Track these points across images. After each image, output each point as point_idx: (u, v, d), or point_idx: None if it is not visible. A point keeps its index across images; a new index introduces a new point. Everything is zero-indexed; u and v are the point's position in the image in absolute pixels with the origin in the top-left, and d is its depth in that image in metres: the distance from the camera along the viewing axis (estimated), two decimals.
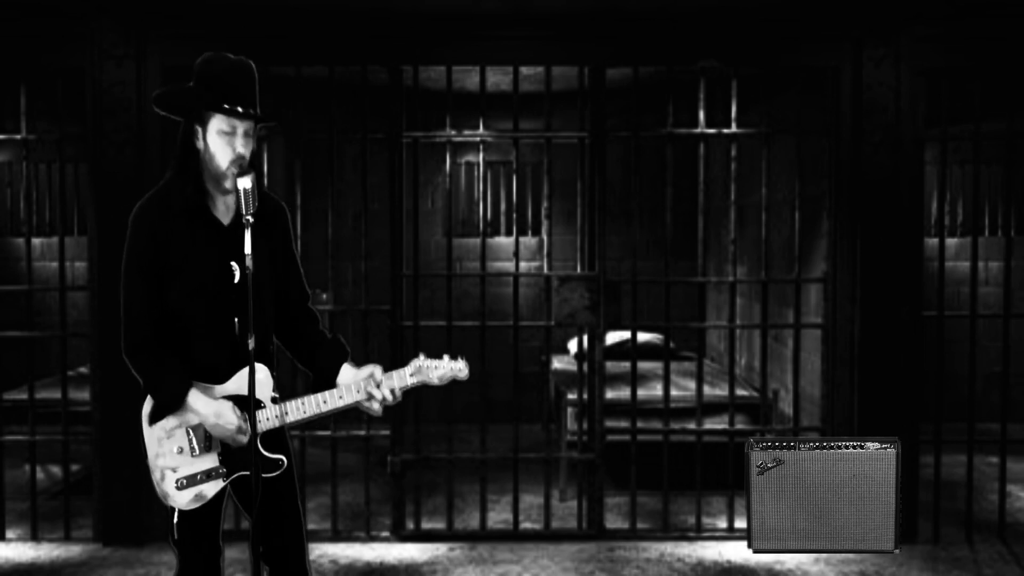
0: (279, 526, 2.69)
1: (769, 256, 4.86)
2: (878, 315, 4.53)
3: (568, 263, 7.46)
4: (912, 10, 4.43)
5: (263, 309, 2.62)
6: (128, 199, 4.50)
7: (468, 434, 6.28)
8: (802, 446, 3.60)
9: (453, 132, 4.66)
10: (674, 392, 5.20)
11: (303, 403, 2.62)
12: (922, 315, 4.56)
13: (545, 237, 5.16)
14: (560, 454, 5.14)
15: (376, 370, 2.64)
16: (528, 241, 7.58)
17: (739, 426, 5.04)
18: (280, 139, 5.88)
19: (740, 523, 4.43)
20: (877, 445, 3.57)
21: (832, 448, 3.58)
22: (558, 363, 6.58)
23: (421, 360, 2.67)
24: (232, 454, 2.59)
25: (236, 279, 2.57)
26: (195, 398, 2.54)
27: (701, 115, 4.62)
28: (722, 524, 4.79)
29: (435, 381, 2.68)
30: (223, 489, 2.63)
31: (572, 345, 6.72)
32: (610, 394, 5.15)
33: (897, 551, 3.63)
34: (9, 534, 4.66)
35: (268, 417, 2.59)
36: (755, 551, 3.67)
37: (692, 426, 4.84)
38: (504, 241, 7.55)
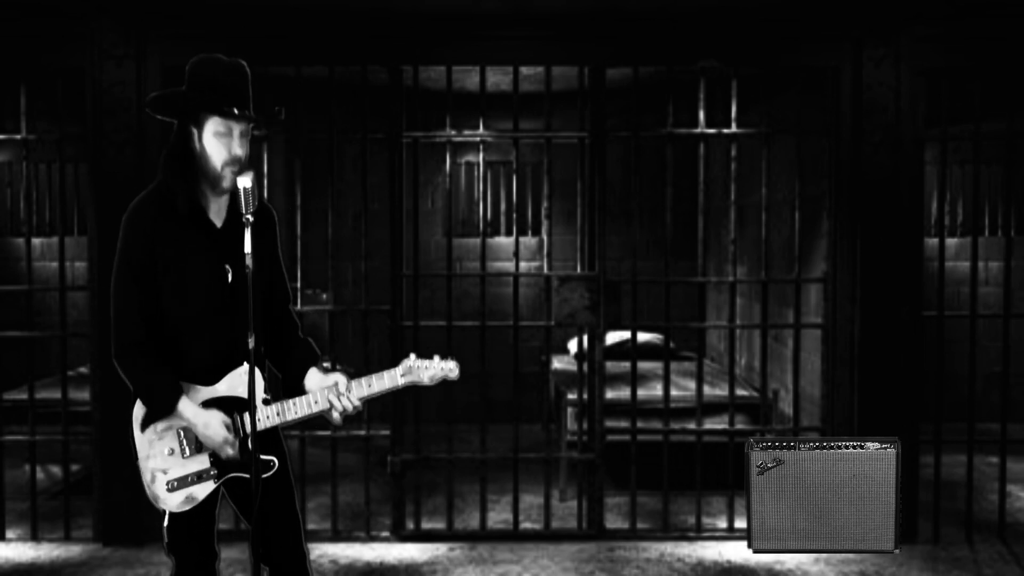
0: (276, 528, 2.67)
1: (769, 256, 4.86)
2: (878, 315, 4.53)
3: (568, 263, 7.46)
4: (912, 10, 4.43)
5: (257, 310, 2.62)
6: (128, 199, 4.50)
7: (468, 434, 6.28)
8: (802, 446, 3.60)
9: (453, 132, 4.66)
10: (674, 392, 5.20)
11: (294, 404, 2.61)
12: (922, 315, 4.56)
13: (545, 237, 5.16)
14: (560, 454, 5.14)
15: (341, 380, 2.62)
16: (528, 241, 7.58)
17: (739, 426, 5.04)
18: (280, 139, 5.88)
19: (740, 523, 4.43)
20: (877, 445, 3.57)
21: (832, 448, 3.58)
22: (558, 363, 6.58)
23: (412, 360, 2.65)
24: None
25: (229, 280, 2.57)
26: (185, 405, 2.53)
27: (701, 115, 4.62)
28: (722, 524, 4.79)
29: (426, 381, 2.66)
30: (216, 491, 2.62)
31: (572, 345, 6.72)
32: (610, 394, 5.15)
33: (897, 551, 3.63)
34: (9, 534, 4.66)
35: (260, 418, 2.58)
36: (755, 551, 3.67)
37: (692, 426, 4.84)
38: (504, 241, 7.55)
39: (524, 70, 5.17)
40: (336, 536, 4.64)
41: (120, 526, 4.51)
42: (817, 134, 4.71)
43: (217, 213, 2.61)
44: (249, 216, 2.42)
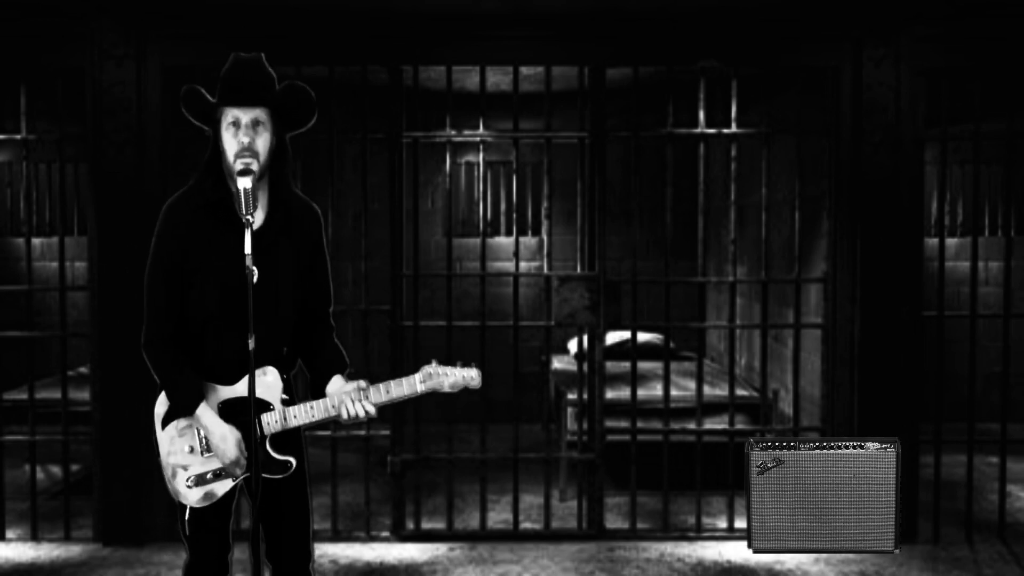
0: (284, 528, 2.71)
1: (769, 256, 4.86)
2: (878, 315, 4.53)
3: (568, 263, 7.46)
4: (912, 10, 4.43)
5: (277, 312, 2.63)
6: (128, 199, 4.55)
7: (468, 434, 6.28)
8: (802, 446, 3.60)
9: (453, 132, 4.66)
10: (674, 392, 5.20)
11: (311, 407, 2.62)
12: (922, 315, 4.56)
13: (545, 237, 5.16)
14: (560, 454, 5.14)
15: (363, 384, 2.63)
16: (528, 241, 7.58)
17: (739, 426, 5.04)
18: None
19: (740, 523, 4.43)
20: (877, 445, 3.57)
21: (832, 448, 3.58)
22: (558, 363, 6.58)
23: (432, 367, 2.65)
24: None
25: (255, 282, 2.58)
26: (204, 412, 2.57)
27: (701, 115, 4.62)
28: (722, 524, 4.79)
29: (446, 389, 2.66)
30: (234, 487, 2.66)
31: (572, 345, 6.72)
32: (610, 394, 5.15)
33: (897, 551, 3.63)
34: (9, 534, 4.66)
35: (276, 419, 2.60)
36: (755, 551, 3.67)
37: (692, 426, 4.84)
38: (504, 241, 7.55)
39: (524, 70, 5.17)
40: (336, 536, 4.64)
41: (120, 526, 4.51)
42: (817, 134, 4.71)
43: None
44: (249, 218, 2.42)
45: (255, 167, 2.48)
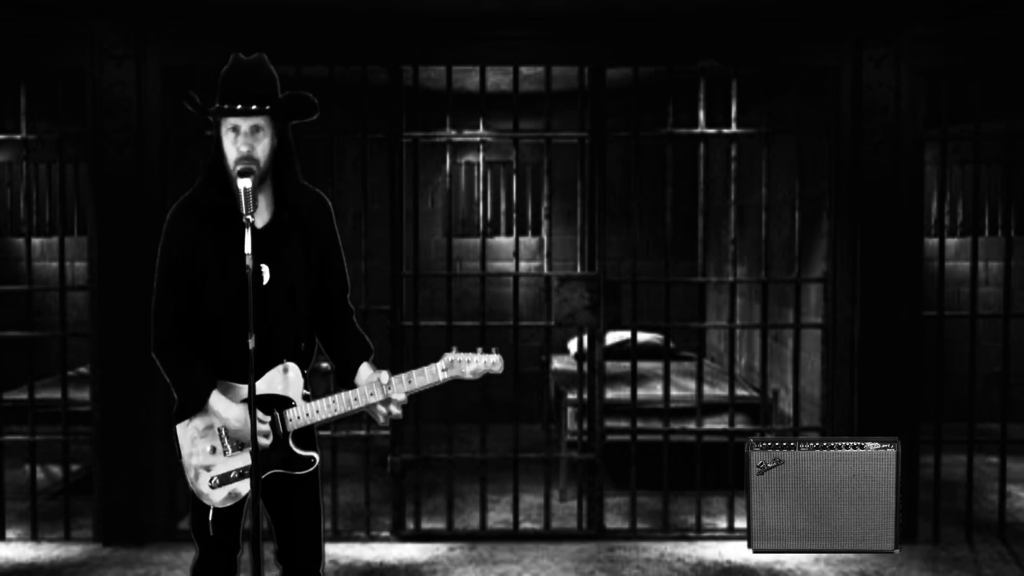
0: (296, 526, 2.72)
1: (769, 256, 4.86)
2: (878, 315, 4.53)
3: (568, 263, 7.46)
4: (912, 10, 4.43)
5: (293, 309, 2.63)
6: (128, 199, 4.55)
7: (468, 434, 6.28)
8: (802, 446, 3.60)
9: (453, 132, 4.66)
10: (674, 392, 5.20)
11: (333, 401, 2.62)
12: (922, 315, 4.56)
13: (545, 237, 5.16)
14: (560, 454, 5.14)
15: (383, 376, 2.62)
16: (528, 241, 7.58)
17: (739, 426, 5.04)
18: None
19: (740, 523, 4.43)
20: (877, 445, 3.57)
21: (832, 448, 3.58)
22: (558, 363, 6.58)
23: (453, 354, 2.63)
24: (264, 452, 2.60)
25: (265, 281, 2.58)
26: (216, 400, 2.57)
27: (701, 115, 4.62)
28: (722, 524, 4.79)
29: (468, 375, 2.64)
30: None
31: (572, 345, 6.72)
32: (610, 394, 5.15)
33: (897, 551, 3.63)
34: (9, 534, 4.66)
35: (299, 415, 2.61)
36: (755, 551, 3.67)
37: (692, 426, 4.84)
38: (504, 241, 7.55)
39: (524, 70, 5.17)
40: (336, 536, 4.64)
41: (120, 526, 4.51)
42: (817, 134, 4.71)
43: (258, 213, 2.61)
44: (249, 217, 2.42)
45: (255, 170, 2.48)
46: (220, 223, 2.57)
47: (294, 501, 2.69)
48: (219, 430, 2.62)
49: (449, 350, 2.66)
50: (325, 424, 2.71)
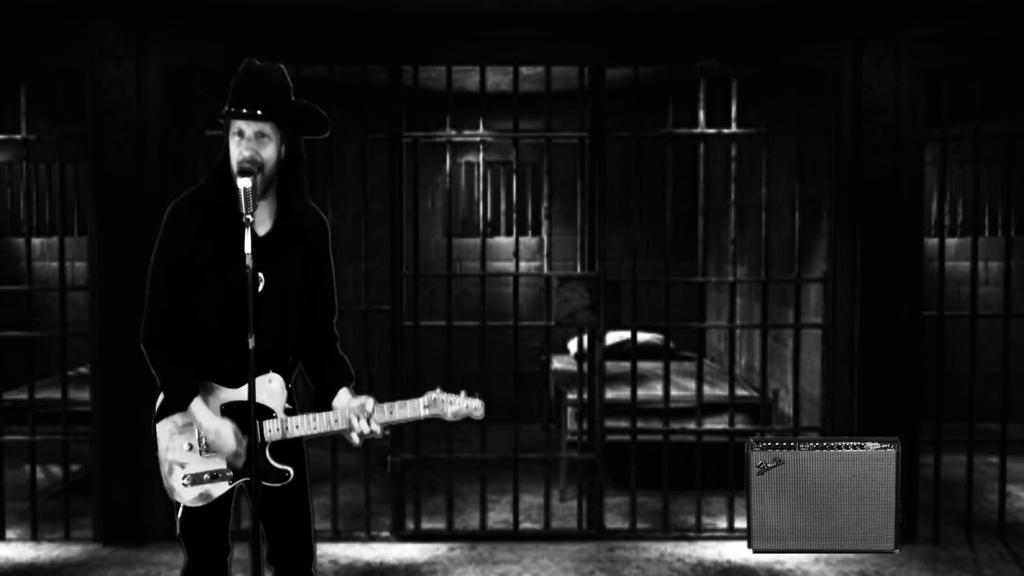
0: (287, 531, 2.72)
1: (769, 256, 4.86)
2: (878, 315, 4.53)
3: (568, 263, 7.46)
4: (912, 10, 4.43)
5: (285, 319, 2.63)
6: (128, 199, 4.55)
7: (468, 434, 6.26)
8: (802, 446, 3.60)
9: (453, 132, 4.66)
10: (674, 392, 5.20)
11: (313, 419, 2.63)
12: (922, 315, 4.56)
13: (545, 237, 5.16)
14: (560, 454, 5.14)
15: (368, 402, 2.64)
16: (528, 241, 7.58)
17: (739, 426, 5.04)
18: None
19: (740, 523, 4.43)
20: (877, 445, 3.57)
21: (832, 448, 3.58)
22: (558, 363, 6.58)
23: (437, 393, 2.68)
24: (239, 461, 2.60)
25: (260, 288, 2.58)
26: (198, 408, 2.57)
27: (701, 115, 4.62)
28: (722, 524, 4.79)
29: (449, 417, 2.70)
30: (232, 489, 2.65)
31: (572, 345, 6.72)
32: (610, 394, 5.15)
33: (897, 551, 3.63)
34: (9, 534, 4.66)
35: (277, 428, 2.61)
36: (755, 551, 3.67)
37: (692, 426, 4.84)
38: (504, 241, 7.55)
39: (524, 70, 5.17)
40: (336, 536, 4.64)
41: (120, 526, 4.51)
42: (817, 134, 4.71)
43: (261, 221, 2.61)
44: (249, 216, 2.43)
45: (255, 171, 2.48)
46: (221, 224, 2.57)
47: (283, 503, 2.68)
48: (198, 428, 2.61)
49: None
50: (309, 440, 2.72)
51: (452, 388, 3.23)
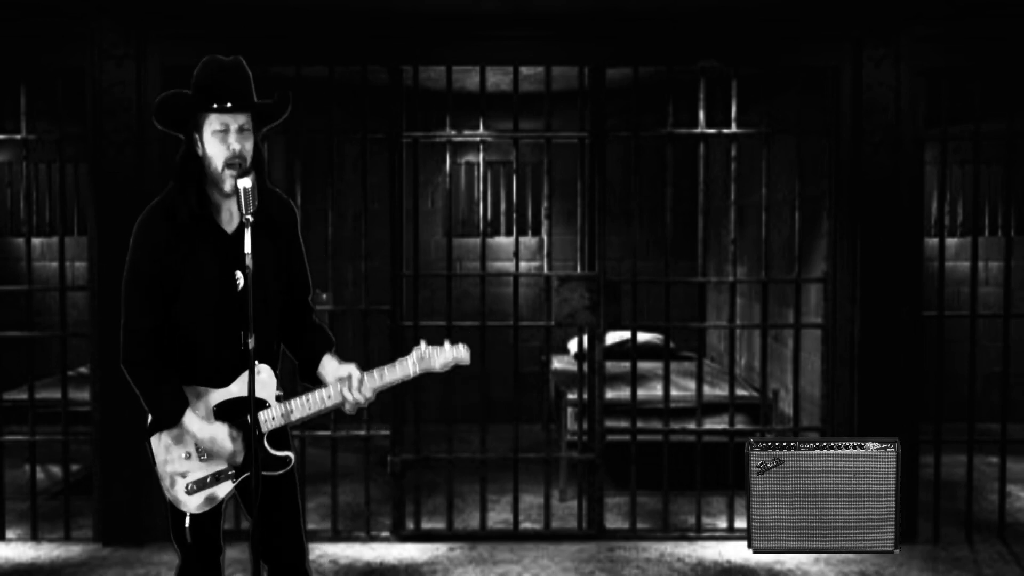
0: (279, 525, 2.71)
1: (769, 256, 4.86)
2: (878, 315, 4.53)
3: (568, 263, 7.46)
4: (912, 10, 4.43)
5: (267, 310, 2.63)
6: (128, 199, 4.55)
7: (468, 434, 6.27)
8: (802, 446, 3.60)
9: (453, 132, 4.66)
10: (674, 392, 5.20)
11: (308, 400, 2.62)
12: (922, 315, 4.56)
13: (545, 237, 5.16)
14: (560, 454, 5.14)
15: (354, 370, 2.63)
16: (528, 241, 7.58)
17: (739, 426, 5.04)
18: (280, 139, 5.88)
19: (740, 523, 4.43)
20: (877, 445, 3.57)
21: (832, 448, 3.58)
22: (558, 363, 6.58)
23: (423, 348, 2.67)
24: (239, 456, 2.60)
25: (239, 287, 2.58)
26: (190, 419, 2.55)
27: (701, 115, 4.62)
28: (722, 524, 4.79)
29: (438, 368, 2.68)
30: (234, 489, 2.66)
31: (572, 345, 6.72)
32: (610, 394, 5.15)
33: (897, 551, 3.63)
34: (9, 534, 4.66)
35: (273, 416, 2.60)
36: (755, 551, 3.67)
37: (692, 426, 4.84)
38: (504, 241, 7.55)
39: (524, 70, 5.17)
40: (336, 536, 4.64)
41: (120, 526, 4.51)
42: (817, 134, 4.71)
43: (228, 219, 2.60)
44: (249, 217, 2.42)
45: (251, 169, 2.48)
46: (194, 229, 2.54)
47: (275, 500, 2.67)
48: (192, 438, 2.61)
49: (423, 342, 2.69)
50: (309, 421, 2.72)
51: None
